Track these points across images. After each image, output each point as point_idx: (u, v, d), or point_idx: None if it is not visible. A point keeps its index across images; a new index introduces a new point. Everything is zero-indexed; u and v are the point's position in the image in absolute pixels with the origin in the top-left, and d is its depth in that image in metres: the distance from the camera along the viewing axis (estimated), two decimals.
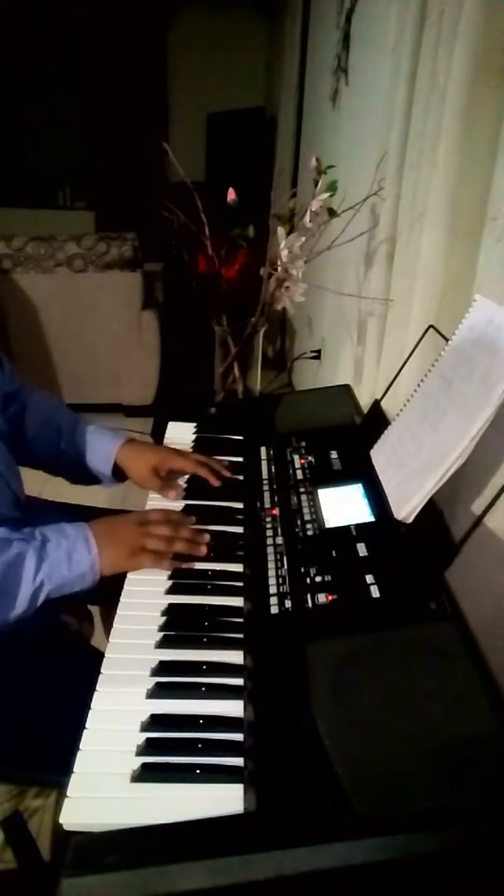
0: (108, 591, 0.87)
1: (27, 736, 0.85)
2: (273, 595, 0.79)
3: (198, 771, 0.61)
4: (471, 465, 0.79)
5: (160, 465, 1.05)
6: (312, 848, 0.49)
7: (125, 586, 0.85)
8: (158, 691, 0.70)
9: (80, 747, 0.63)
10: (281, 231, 1.41)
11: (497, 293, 0.87)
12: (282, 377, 3.18)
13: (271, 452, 1.11)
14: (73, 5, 3.90)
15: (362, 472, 0.95)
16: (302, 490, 0.97)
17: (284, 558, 0.85)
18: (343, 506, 0.91)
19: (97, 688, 0.70)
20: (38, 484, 1.14)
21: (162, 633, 0.77)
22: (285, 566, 0.83)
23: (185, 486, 1.06)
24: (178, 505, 1.02)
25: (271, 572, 0.83)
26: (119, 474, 1.08)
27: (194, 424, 1.26)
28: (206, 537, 0.91)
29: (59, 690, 0.83)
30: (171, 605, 0.82)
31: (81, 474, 1.11)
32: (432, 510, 0.83)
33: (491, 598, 0.78)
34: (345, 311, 1.87)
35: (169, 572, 0.87)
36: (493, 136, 0.96)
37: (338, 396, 1.28)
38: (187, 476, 1.07)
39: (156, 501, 1.03)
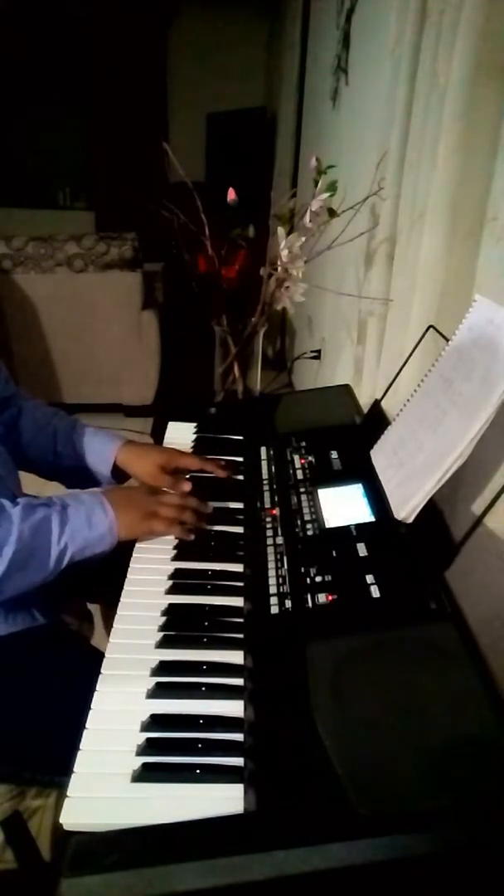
0: (108, 591, 0.87)
1: (27, 736, 0.85)
2: (273, 595, 0.79)
3: (198, 771, 0.61)
4: (471, 465, 0.79)
5: (167, 463, 1.05)
6: (312, 848, 0.49)
7: (125, 586, 0.85)
8: (158, 691, 0.70)
9: (80, 747, 0.63)
10: (281, 231, 1.41)
11: (497, 293, 0.87)
12: (282, 377, 3.18)
13: (271, 452, 1.11)
14: (73, 5, 3.90)
15: (362, 472, 0.95)
16: (302, 490, 0.97)
17: (284, 558, 0.85)
18: (343, 506, 0.91)
19: (97, 688, 0.70)
20: (39, 485, 1.14)
21: (162, 633, 0.77)
22: (285, 566, 0.83)
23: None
24: None
25: (271, 572, 0.83)
26: (118, 476, 1.08)
27: (194, 424, 1.26)
28: (210, 508, 0.97)
29: (59, 690, 0.84)
30: (171, 605, 0.82)
31: (79, 477, 1.10)
32: (432, 510, 0.83)
33: (491, 598, 0.78)
34: (345, 311, 1.87)
35: (170, 571, 0.87)
36: (493, 136, 0.96)
37: (338, 396, 1.28)
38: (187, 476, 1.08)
39: None
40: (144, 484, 0.98)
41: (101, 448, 1.08)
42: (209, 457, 1.11)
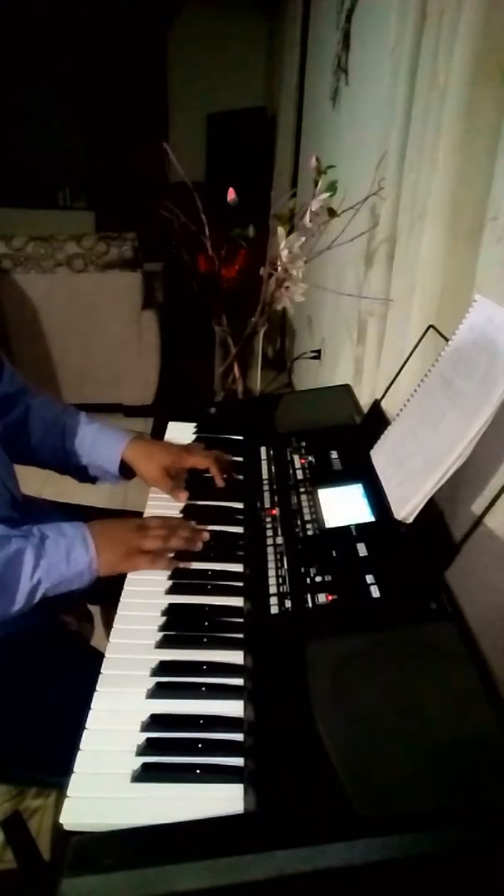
0: (108, 591, 0.87)
1: (27, 736, 0.84)
2: (273, 595, 0.79)
3: (198, 771, 0.61)
4: (471, 465, 0.79)
5: (173, 465, 1.05)
6: (312, 848, 0.49)
7: (125, 586, 0.85)
8: (158, 691, 0.70)
9: (80, 747, 0.63)
10: (281, 231, 1.41)
11: (497, 293, 0.87)
12: (282, 377, 3.18)
13: (271, 452, 1.11)
14: (73, 5, 3.90)
15: (362, 472, 0.95)
16: (302, 490, 0.97)
17: (284, 558, 0.85)
18: (343, 506, 0.91)
19: (97, 688, 0.70)
20: (38, 484, 1.14)
21: (162, 633, 0.77)
22: (285, 566, 0.83)
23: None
24: (179, 504, 1.02)
25: (271, 572, 0.83)
26: (127, 472, 1.08)
27: (194, 424, 1.26)
28: (206, 535, 0.92)
29: (59, 690, 0.83)
30: (171, 605, 0.82)
31: (90, 474, 1.11)
32: (432, 510, 0.83)
33: (491, 598, 0.79)
34: (345, 311, 1.87)
35: (168, 572, 0.87)
36: (493, 136, 0.96)
37: (338, 396, 1.28)
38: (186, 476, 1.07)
39: (157, 501, 1.03)
40: (133, 518, 0.94)
41: (107, 447, 1.07)
42: (218, 452, 1.10)
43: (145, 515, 1.00)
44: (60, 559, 0.83)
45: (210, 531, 0.94)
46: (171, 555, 0.89)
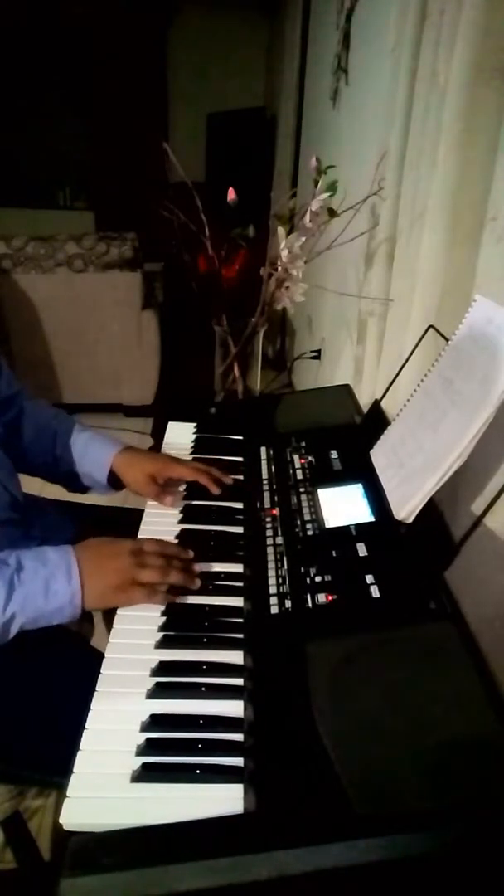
0: None
1: (27, 736, 0.84)
2: (273, 595, 0.79)
3: (198, 771, 0.61)
4: (471, 465, 0.79)
5: (158, 472, 1.04)
6: (312, 848, 0.49)
7: None
8: (158, 691, 0.70)
9: (80, 747, 0.63)
10: (281, 231, 1.41)
11: (497, 293, 0.87)
12: (282, 377, 3.18)
13: (271, 452, 1.11)
14: (73, 5, 3.90)
15: (362, 472, 0.95)
16: (302, 490, 0.97)
17: (284, 558, 0.85)
18: (343, 506, 0.91)
19: (97, 688, 0.70)
20: (39, 483, 1.14)
21: (162, 633, 0.77)
22: (285, 566, 0.83)
23: (184, 492, 1.05)
24: (178, 506, 1.02)
25: (271, 572, 0.83)
26: (115, 482, 1.08)
27: (194, 424, 1.26)
28: (197, 578, 0.84)
29: (59, 690, 0.83)
30: (170, 605, 0.82)
31: (78, 482, 1.10)
32: (432, 510, 0.83)
33: (491, 598, 0.78)
34: (345, 311, 1.87)
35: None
36: (493, 136, 0.96)
37: (338, 396, 1.28)
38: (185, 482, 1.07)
39: (156, 504, 1.03)
40: (129, 542, 0.85)
41: (97, 454, 1.07)
42: (209, 460, 1.09)
43: (145, 517, 0.99)
44: (38, 591, 0.77)
45: (210, 531, 0.94)
46: None
